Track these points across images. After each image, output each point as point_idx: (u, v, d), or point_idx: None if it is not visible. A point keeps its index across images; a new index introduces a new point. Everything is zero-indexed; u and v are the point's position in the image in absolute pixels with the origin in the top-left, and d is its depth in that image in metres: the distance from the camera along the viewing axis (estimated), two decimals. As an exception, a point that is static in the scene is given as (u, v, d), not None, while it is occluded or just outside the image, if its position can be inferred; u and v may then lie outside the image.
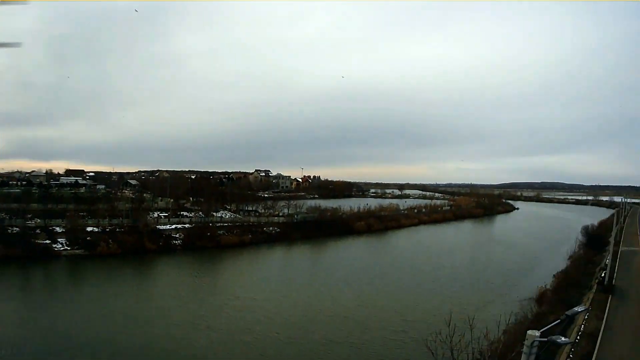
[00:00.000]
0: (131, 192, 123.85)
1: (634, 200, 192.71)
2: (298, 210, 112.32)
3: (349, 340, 35.52)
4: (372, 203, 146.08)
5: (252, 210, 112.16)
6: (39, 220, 77.68)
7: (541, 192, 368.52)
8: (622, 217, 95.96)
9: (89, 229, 77.52)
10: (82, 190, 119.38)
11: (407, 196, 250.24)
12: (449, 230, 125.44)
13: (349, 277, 59.54)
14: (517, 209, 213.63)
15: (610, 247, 50.28)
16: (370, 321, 40.68)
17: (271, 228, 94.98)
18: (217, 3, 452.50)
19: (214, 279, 60.60)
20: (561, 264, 64.69)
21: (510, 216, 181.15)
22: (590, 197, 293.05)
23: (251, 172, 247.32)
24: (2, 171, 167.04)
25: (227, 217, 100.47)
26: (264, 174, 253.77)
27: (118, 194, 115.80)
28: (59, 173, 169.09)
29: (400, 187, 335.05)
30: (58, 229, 75.24)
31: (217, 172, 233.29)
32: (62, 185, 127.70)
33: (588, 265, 58.44)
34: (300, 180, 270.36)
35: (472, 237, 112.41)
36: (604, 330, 30.22)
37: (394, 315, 42.69)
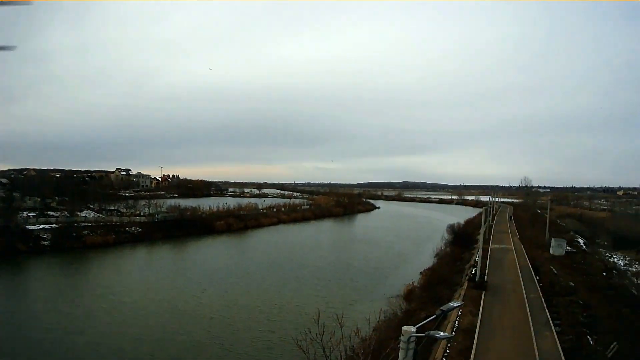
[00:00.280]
0: (1, 191, 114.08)
1: (502, 200, 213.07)
2: (159, 209, 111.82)
3: (217, 342, 35.64)
4: (231, 202, 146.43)
5: (114, 210, 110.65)
6: None
7: (403, 191, 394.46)
8: (491, 216, 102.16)
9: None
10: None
11: (266, 195, 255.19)
12: (310, 229, 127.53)
13: (212, 277, 59.30)
14: (378, 208, 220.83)
15: (480, 245, 52.80)
16: (237, 322, 40.91)
17: (133, 228, 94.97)
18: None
19: (82, 281, 58.86)
20: (428, 261, 67.36)
21: (371, 215, 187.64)
22: (455, 197, 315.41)
23: (112, 170, 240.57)
24: None
25: (91, 216, 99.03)
26: (124, 172, 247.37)
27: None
28: None
29: (259, 186, 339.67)
30: None
31: (80, 171, 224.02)
32: None
33: (457, 263, 61.14)
34: (159, 179, 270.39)
35: (334, 236, 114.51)
36: (480, 325, 30.91)
37: (260, 315, 43.03)
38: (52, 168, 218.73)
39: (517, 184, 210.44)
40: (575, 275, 48.27)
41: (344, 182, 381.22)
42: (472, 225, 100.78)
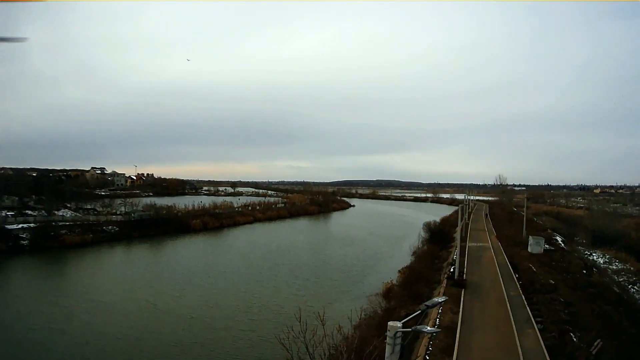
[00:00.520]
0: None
1: (477, 198, 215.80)
2: (135, 208, 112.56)
3: (198, 341, 35.77)
4: (206, 200, 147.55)
5: (91, 209, 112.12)
6: None
7: (377, 189, 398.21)
8: (467, 214, 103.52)
9: None
10: None
11: (240, 194, 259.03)
12: (285, 227, 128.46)
13: (191, 277, 59.57)
14: (353, 206, 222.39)
15: (458, 243, 52.89)
16: (217, 321, 41.10)
17: (110, 227, 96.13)
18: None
19: (62, 281, 59.57)
20: (405, 260, 67.43)
21: (346, 213, 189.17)
22: (429, 195, 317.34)
23: (87, 169, 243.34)
24: None
25: (68, 215, 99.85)
26: (99, 171, 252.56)
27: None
28: None
29: (233, 184, 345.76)
30: None
31: (56, 170, 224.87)
32: None
33: (435, 261, 61.14)
34: (134, 178, 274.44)
35: (310, 235, 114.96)
36: (461, 323, 30.70)
37: (240, 314, 43.26)
38: (28, 167, 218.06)
39: (492, 182, 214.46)
40: (554, 273, 48.50)
41: (317, 181, 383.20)
42: (448, 224, 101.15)
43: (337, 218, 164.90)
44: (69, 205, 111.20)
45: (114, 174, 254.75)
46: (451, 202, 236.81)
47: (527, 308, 34.26)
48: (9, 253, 73.25)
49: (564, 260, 57.42)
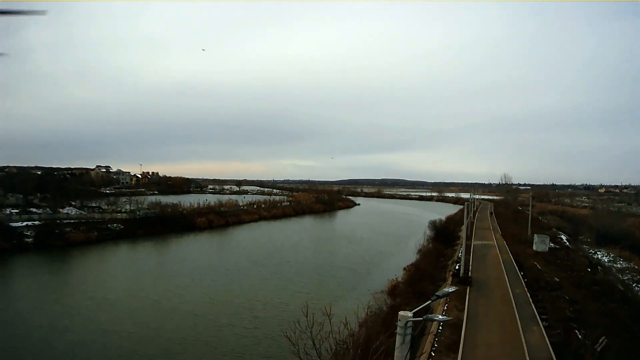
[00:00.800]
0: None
1: (482, 197, 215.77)
2: (140, 206, 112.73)
3: (202, 338, 35.94)
4: (211, 199, 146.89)
5: (95, 207, 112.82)
6: None
7: (382, 188, 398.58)
8: (472, 212, 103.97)
9: None
10: None
11: (246, 192, 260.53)
12: (290, 225, 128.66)
13: (195, 274, 59.68)
14: (359, 204, 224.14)
15: (463, 241, 53.06)
16: (221, 318, 41.25)
17: (115, 225, 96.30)
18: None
19: (67, 278, 59.54)
20: (410, 258, 67.75)
21: (351, 212, 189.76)
22: (435, 194, 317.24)
23: (92, 168, 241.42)
24: None
25: (73, 213, 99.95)
26: (104, 170, 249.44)
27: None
28: None
29: (238, 183, 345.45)
30: None
31: (61, 168, 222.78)
32: None
33: (439, 259, 61.64)
34: (139, 176, 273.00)
35: (315, 233, 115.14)
36: (466, 320, 31.06)
37: (245, 311, 43.41)
38: (32, 166, 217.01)
39: (497, 182, 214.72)
40: (559, 271, 48.84)
41: (322, 180, 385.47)
42: (453, 222, 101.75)
43: (343, 216, 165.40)
44: (73, 203, 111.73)
45: (119, 172, 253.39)
46: (456, 201, 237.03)
47: (532, 305, 34.66)
48: (13, 251, 73.67)
49: (568, 259, 57.81)
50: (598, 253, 70.98)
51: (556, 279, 44.32)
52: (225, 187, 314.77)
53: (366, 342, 19.61)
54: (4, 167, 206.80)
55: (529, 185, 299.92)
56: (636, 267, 61.47)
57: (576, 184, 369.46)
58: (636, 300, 44.08)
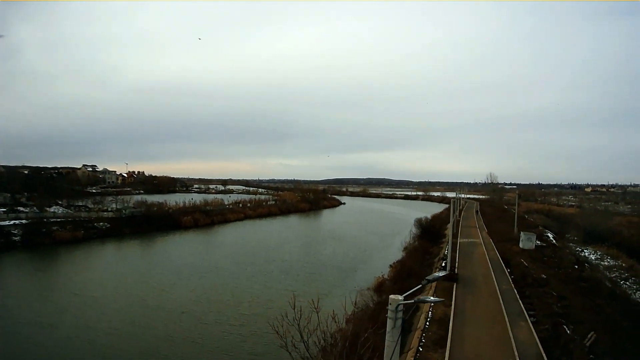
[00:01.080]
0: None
1: (467, 196, 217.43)
2: (126, 205, 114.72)
3: (189, 336, 36.24)
4: (197, 198, 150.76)
5: (82, 205, 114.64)
6: None
7: (368, 187, 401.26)
8: (458, 211, 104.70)
9: None
10: None
11: (231, 191, 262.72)
12: (276, 224, 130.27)
13: (181, 272, 60.47)
14: (344, 203, 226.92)
15: (449, 239, 53.29)
16: (207, 316, 41.63)
17: (102, 223, 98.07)
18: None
19: (54, 277, 59.80)
20: (396, 255, 68.09)
21: (337, 210, 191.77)
22: (420, 193, 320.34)
23: (79, 167, 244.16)
24: None
25: (59, 212, 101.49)
26: (91, 169, 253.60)
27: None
28: None
29: (224, 182, 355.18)
30: None
31: (48, 168, 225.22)
32: None
33: (426, 256, 61.91)
34: (125, 175, 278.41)
35: (300, 231, 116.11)
36: (454, 315, 30.89)
37: (231, 309, 43.91)
38: (20, 165, 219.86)
39: (482, 181, 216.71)
40: (546, 268, 49.07)
41: (308, 179, 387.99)
42: (439, 220, 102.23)
43: (328, 215, 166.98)
44: (60, 202, 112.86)
45: (105, 171, 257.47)
46: (442, 200, 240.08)
47: (520, 301, 34.59)
48: (1, 249, 74.04)
49: (555, 256, 58.24)
50: (585, 251, 71.73)
51: (543, 275, 44.41)
52: (211, 186, 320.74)
53: (354, 336, 19.31)
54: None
55: (514, 184, 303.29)
56: (623, 264, 62.22)
57: (562, 183, 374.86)
58: (624, 296, 44.49)
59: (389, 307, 9.99)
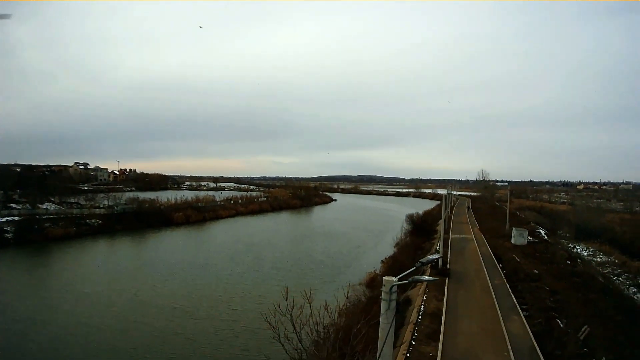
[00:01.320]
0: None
1: (459, 193, 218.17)
2: (117, 201, 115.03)
3: (181, 331, 36.47)
4: (189, 195, 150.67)
5: (74, 202, 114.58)
6: None
7: (359, 184, 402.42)
8: (449, 207, 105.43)
9: None
10: None
11: (222, 188, 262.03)
12: (267, 220, 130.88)
13: (173, 269, 60.64)
14: (335, 200, 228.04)
15: (441, 234, 53.44)
16: (199, 311, 41.91)
17: (94, 220, 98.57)
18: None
19: (46, 273, 59.83)
20: (388, 251, 68.41)
21: (328, 207, 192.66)
22: (411, 190, 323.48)
23: (70, 165, 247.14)
24: None
25: (52, 209, 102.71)
26: (83, 166, 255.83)
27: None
28: None
29: (215, 179, 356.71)
30: None
31: (40, 165, 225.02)
32: None
33: (417, 252, 61.51)
34: (117, 173, 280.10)
35: (292, 228, 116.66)
36: (446, 309, 30.99)
37: (223, 305, 44.16)
38: (12, 162, 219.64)
39: (474, 178, 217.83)
40: (538, 264, 49.33)
41: (299, 176, 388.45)
42: (431, 216, 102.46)
43: (319, 212, 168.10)
44: (52, 199, 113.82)
45: (97, 169, 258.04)
46: (433, 197, 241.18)
47: (512, 296, 34.74)
48: None
49: (547, 252, 58.44)
50: (577, 247, 72.16)
51: (535, 271, 44.64)
52: (202, 183, 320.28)
53: (347, 328, 19.60)
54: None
55: (506, 181, 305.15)
56: (616, 260, 62.66)
57: (554, 180, 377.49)
58: (617, 291, 44.73)
59: (383, 288, 9.88)
